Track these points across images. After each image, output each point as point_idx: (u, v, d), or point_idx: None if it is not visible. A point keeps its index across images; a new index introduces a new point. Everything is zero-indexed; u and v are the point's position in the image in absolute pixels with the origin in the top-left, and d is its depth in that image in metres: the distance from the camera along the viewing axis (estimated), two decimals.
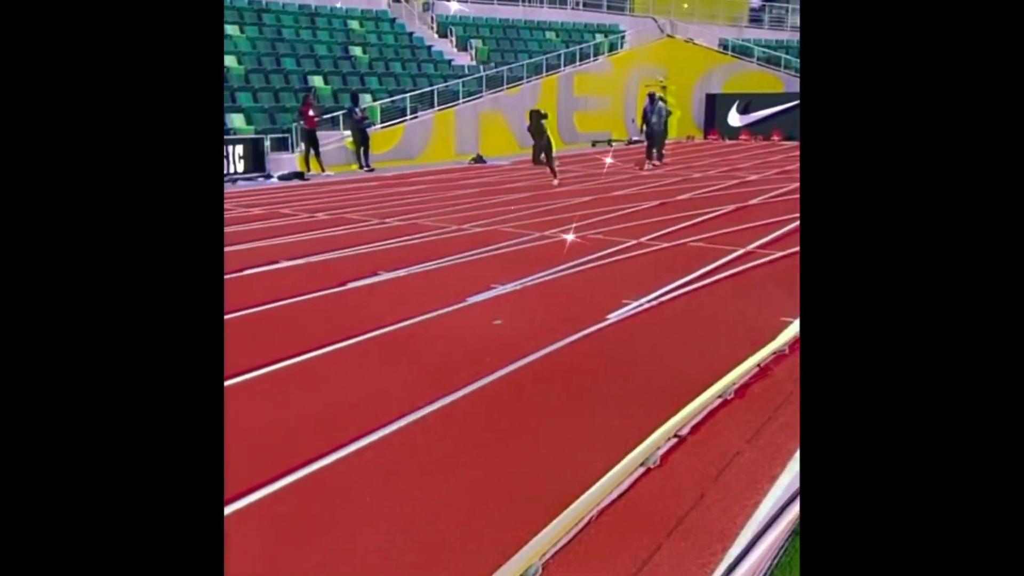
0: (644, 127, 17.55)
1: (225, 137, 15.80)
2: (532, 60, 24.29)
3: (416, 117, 19.71)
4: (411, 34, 24.67)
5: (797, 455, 3.20)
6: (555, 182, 13.61)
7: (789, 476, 3.03)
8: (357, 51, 22.00)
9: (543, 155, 13.87)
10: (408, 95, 19.76)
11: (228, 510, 2.79)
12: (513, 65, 23.50)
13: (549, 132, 13.91)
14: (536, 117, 13.84)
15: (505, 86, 22.54)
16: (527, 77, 23.44)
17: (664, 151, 17.78)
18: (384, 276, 6.66)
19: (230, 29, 19.84)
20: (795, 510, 2.77)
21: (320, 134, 16.55)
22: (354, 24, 23.35)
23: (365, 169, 17.17)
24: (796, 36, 32.58)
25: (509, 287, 6.17)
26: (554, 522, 2.62)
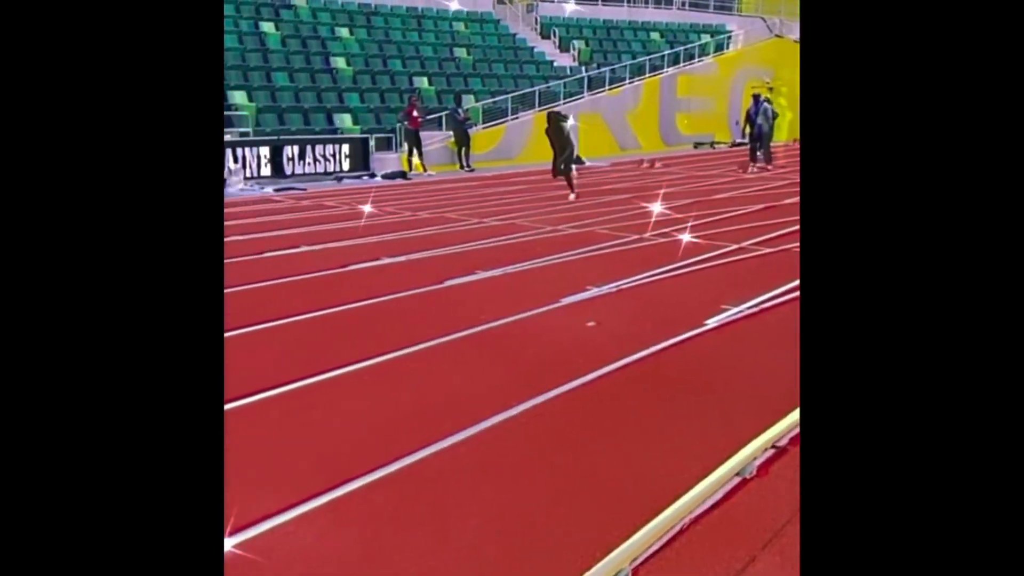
0: (748, 129, 17.09)
1: (333, 136, 16.34)
2: (635, 61, 24.05)
3: (517, 118, 19.84)
4: (514, 35, 24.86)
5: None
6: (571, 196, 11.88)
7: None
8: (461, 52, 22.34)
9: (563, 165, 11.97)
10: (510, 96, 19.91)
11: (328, 498, 2.89)
12: (616, 66, 23.35)
13: (572, 136, 12.26)
14: (556, 119, 12.05)
15: (606, 87, 22.42)
16: (629, 78, 23.23)
17: (772, 154, 17.26)
18: (481, 275, 6.74)
19: (341, 31, 20.52)
20: None
21: (423, 134, 16.89)
22: (459, 26, 23.72)
23: (466, 169, 17.41)
24: None
25: (604, 289, 6.13)
26: (646, 527, 2.59)
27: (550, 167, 12.38)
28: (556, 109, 14.47)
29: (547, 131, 12.13)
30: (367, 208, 11.09)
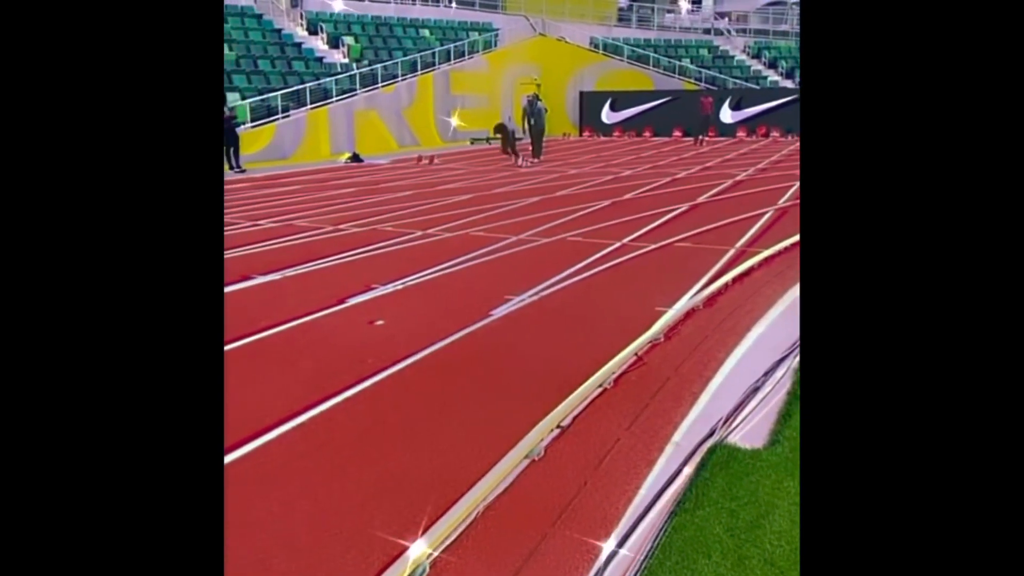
0: (525, 125, 17.85)
1: None
2: (407, 58, 24.09)
3: (288, 116, 19.17)
4: (279, 31, 23.95)
5: (673, 439, 3.33)
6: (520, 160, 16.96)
7: (665, 459, 3.14)
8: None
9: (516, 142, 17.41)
10: (279, 93, 19.18)
11: None
12: (388, 63, 23.25)
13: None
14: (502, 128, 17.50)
15: (380, 84, 22.27)
16: (402, 75, 23.23)
17: (543, 148, 18.09)
18: (258, 280, 6.44)
19: None
20: (672, 491, 2.88)
21: None
22: None
23: (235, 170, 16.55)
24: (663, 35, 33.79)
25: (390, 287, 6.10)
26: (440, 520, 2.61)
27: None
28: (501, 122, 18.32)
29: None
30: None
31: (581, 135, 28.29)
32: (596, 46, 30.62)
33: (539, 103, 17.75)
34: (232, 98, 18.26)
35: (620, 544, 2.56)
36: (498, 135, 18.14)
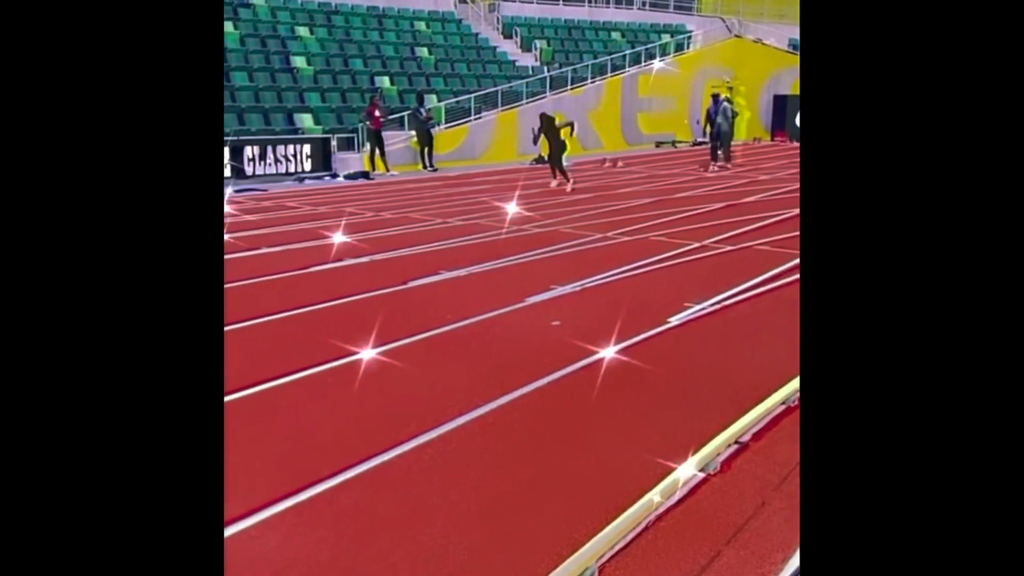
0: (709, 128, 17.27)
1: (294, 136, 16.16)
2: (596, 61, 24.18)
3: (480, 117, 19.82)
4: (476, 35, 24.82)
5: None
6: (568, 187, 13.30)
7: None
8: (423, 52, 22.24)
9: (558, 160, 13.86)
10: (472, 95, 19.89)
11: (292, 502, 2.86)
12: (577, 66, 23.45)
13: (564, 136, 13.77)
14: (547, 120, 13.72)
15: (569, 87, 22.51)
16: (591, 78, 23.35)
17: (731, 152, 17.47)
18: (446, 275, 6.72)
19: (301, 30, 20.29)
20: None
21: (385, 134, 16.78)
22: (420, 25, 23.62)
23: (429, 169, 17.35)
24: None
25: (569, 288, 6.16)
26: (611, 525, 2.60)
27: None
28: (544, 112, 14.90)
29: (542, 131, 13.70)
30: (329, 209, 10.98)
31: (772, 140, 27.11)
32: (795, 48, 29.20)
33: (725, 103, 16.95)
34: (430, 100, 19.17)
35: (800, 571, 2.43)
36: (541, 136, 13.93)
